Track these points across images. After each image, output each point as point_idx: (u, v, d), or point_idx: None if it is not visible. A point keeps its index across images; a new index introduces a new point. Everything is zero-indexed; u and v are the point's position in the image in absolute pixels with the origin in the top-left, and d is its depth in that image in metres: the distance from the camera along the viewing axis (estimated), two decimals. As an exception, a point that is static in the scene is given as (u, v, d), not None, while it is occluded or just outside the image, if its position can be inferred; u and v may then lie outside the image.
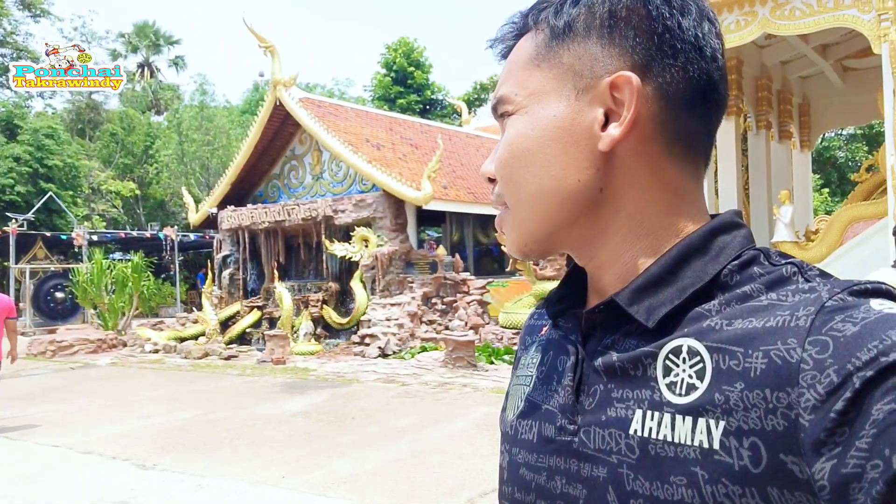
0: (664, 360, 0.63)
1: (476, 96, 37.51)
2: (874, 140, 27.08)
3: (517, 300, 14.18)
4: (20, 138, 27.30)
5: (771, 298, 0.61)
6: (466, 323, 14.21)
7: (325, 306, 15.94)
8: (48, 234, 24.61)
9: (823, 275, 0.62)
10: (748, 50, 11.91)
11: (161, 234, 25.34)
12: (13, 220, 23.08)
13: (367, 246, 15.48)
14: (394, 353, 13.79)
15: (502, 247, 14.12)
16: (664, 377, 0.62)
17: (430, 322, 14.64)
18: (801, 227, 12.98)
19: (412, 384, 10.76)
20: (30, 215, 24.34)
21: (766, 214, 12.81)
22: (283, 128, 17.65)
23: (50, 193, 26.31)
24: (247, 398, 10.18)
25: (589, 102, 0.67)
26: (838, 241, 10.72)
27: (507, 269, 15.87)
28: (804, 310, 0.57)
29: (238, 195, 18.74)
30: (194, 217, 19.48)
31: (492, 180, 0.74)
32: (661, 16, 0.66)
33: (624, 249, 0.68)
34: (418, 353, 13.40)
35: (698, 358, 0.60)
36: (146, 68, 42.59)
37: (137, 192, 33.18)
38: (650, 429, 0.61)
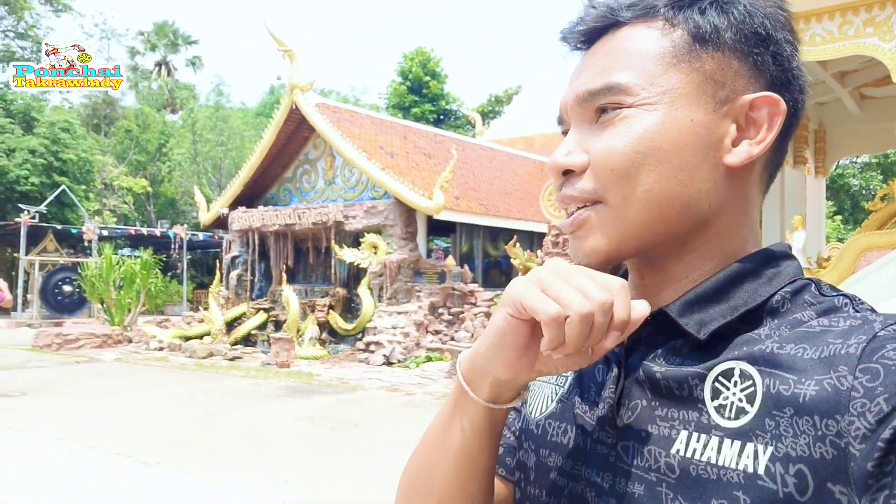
0: (713, 382, 0.62)
1: (490, 108, 37.58)
2: (889, 169, 26.99)
3: (524, 314, 14.11)
4: (36, 131, 27.51)
5: (822, 324, 0.61)
6: (472, 335, 14.17)
7: (331, 311, 15.93)
8: (59, 227, 24.74)
9: (874, 310, 0.62)
10: (767, 74, 11.84)
11: (170, 233, 25.44)
12: (25, 212, 23.20)
13: (376, 253, 15.47)
14: (398, 361, 13.76)
15: (512, 260, 14.11)
16: (712, 399, 0.61)
17: (437, 332, 14.62)
18: (812, 253, 12.89)
19: (417, 394, 10.72)
20: (42, 207, 24.48)
21: (779, 239, 12.75)
22: (297, 132, 17.70)
23: (63, 187, 26.45)
24: (250, 400, 10.16)
25: (724, 115, 0.67)
26: (851, 268, 10.62)
27: (516, 283, 15.82)
28: (856, 338, 0.56)
29: (249, 197, 18.79)
30: (205, 216, 19.53)
31: (567, 173, 0.69)
32: (790, 45, 0.69)
33: (695, 266, 0.69)
34: (423, 362, 13.37)
35: (750, 382, 0.60)
36: (163, 67, 42.85)
37: (149, 189, 33.33)
38: (694, 450, 0.60)
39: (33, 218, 23.38)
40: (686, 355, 0.65)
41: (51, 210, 25.81)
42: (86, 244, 24.51)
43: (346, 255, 15.62)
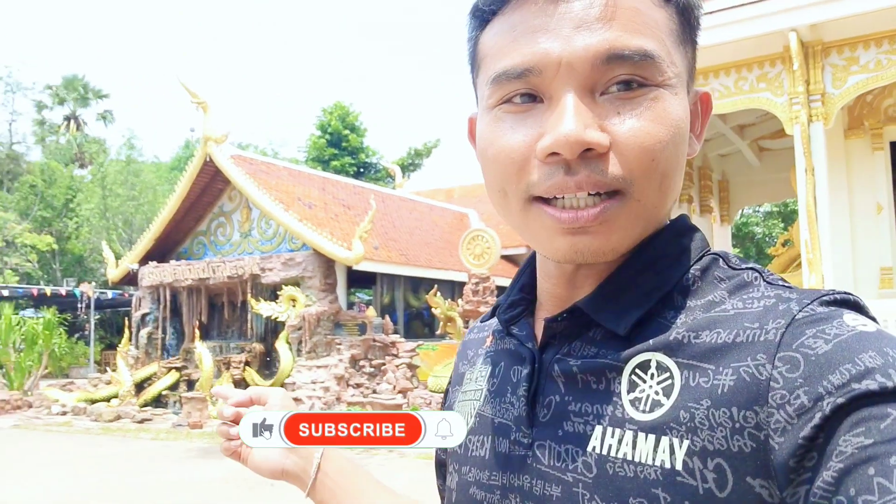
0: (630, 375, 0.59)
1: (410, 161, 37.84)
2: (789, 217, 28.44)
3: (447, 364, 14.01)
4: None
5: (737, 307, 0.57)
6: (395, 386, 13.94)
7: (247, 368, 15.42)
8: (-46, 287, 23.29)
9: (785, 283, 0.60)
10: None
11: (77, 291, 24.28)
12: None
13: (294, 306, 15.14)
14: (318, 417, 13.35)
15: (433, 309, 14.05)
16: (629, 392, 0.58)
17: (358, 385, 14.32)
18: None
19: (337, 449, 10.40)
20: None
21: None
22: (212, 184, 17.33)
23: (-41, 245, 25.04)
24: (160, 463, 9.63)
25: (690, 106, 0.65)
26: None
27: (438, 333, 15.74)
28: (774, 322, 0.54)
29: (161, 251, 18.16)
30: (114, 273, 18.74)
31: (588, 150, 0.57)
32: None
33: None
34: (344, 417, 13.02)
35: (668, 374, 0.57)
36: (72, 121, 41.52)
37: (55, 246, 31.82)
38: (609, 446, 0.57)
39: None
40: (602, 345, 0.62)
41: (-55, 269, 24.33)
42: (-16, 305, 23.08)
43: (264, 308, 15.22)
